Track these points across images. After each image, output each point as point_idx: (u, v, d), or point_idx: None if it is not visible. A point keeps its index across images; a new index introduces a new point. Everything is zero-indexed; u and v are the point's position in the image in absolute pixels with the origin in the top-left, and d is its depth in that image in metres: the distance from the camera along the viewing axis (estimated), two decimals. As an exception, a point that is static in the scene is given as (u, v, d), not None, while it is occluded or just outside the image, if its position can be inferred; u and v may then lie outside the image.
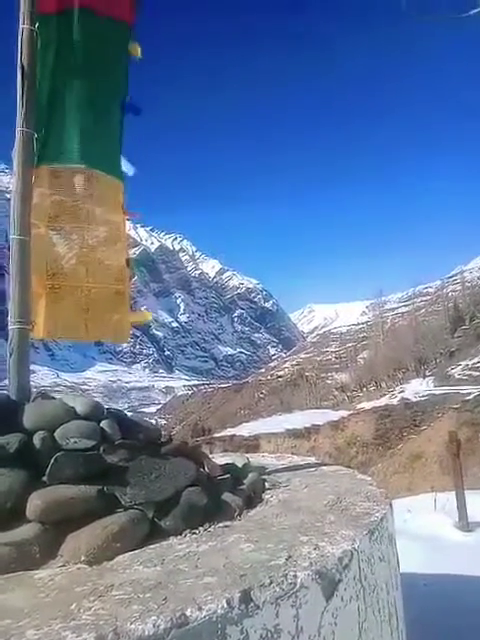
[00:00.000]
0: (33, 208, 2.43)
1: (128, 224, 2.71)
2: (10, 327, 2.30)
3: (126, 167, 2.69)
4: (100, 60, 2.56)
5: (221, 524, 1.86)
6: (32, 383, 2.37)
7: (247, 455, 3.24)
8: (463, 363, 38.10)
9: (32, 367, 2.43)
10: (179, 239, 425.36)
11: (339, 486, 2.34)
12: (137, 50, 2.72)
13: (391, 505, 2.08)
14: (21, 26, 2.50)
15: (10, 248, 2.38)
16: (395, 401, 30.12)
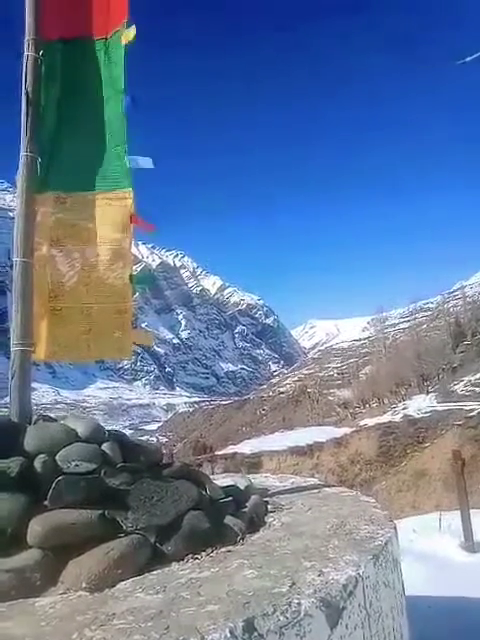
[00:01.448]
0: (36, 226, 2.45)
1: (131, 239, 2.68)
2: (12, 349, 2.30)
3: (144, 162, 2.60)
4: (103, 82, 2.60)
5: (223, 549, 1.84)
6: (32, 401, 2.37)
7: (249, 476, 3.22)
8: (466, 379, 37.89)
9: (32, 385, 2.43)
10: (180, 256, 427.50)
11: (342, 509, 2.31)
12: (131, 34, 2.60)
13: (396, 528, 2.05)
14: (26, 53, 2.56)
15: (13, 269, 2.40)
16: (398, 417, 29.90)
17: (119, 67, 2.62)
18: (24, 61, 2.54)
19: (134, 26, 2.60)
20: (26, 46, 2.56)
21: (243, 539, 1.94)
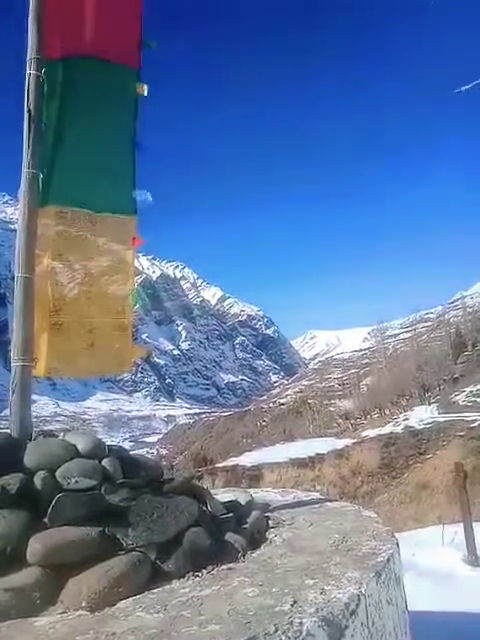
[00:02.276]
0: (37, 239, 2.47)
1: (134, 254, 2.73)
2: (13, 365, 2.31)
3: (141, 196, 2.72)
4: (105, 105, 2.64)
5: (224, 566, 1.82)
6: (32, 412, 2.36)
7: (250, 490, 3.20)
8: (467, 389, 37.76)
9: (32, 397, 2.42)
10: (180, 267, 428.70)
11: (344, 524, 2.30)
12: (143, 88, 2.76)
13: (398, 544, 2.04)
14: (28, 72, 2.59)
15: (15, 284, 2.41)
16: (400, 429, 29.75)
17: (131, 103, 2.69)
18: (26, 79, 2.57)
19: (145, 85, 2.73)
20: (28, 64, 2.59)
21: (244, 556, 1.93)
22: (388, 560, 1.81)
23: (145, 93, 2.77)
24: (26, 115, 2.53)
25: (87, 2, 2.70)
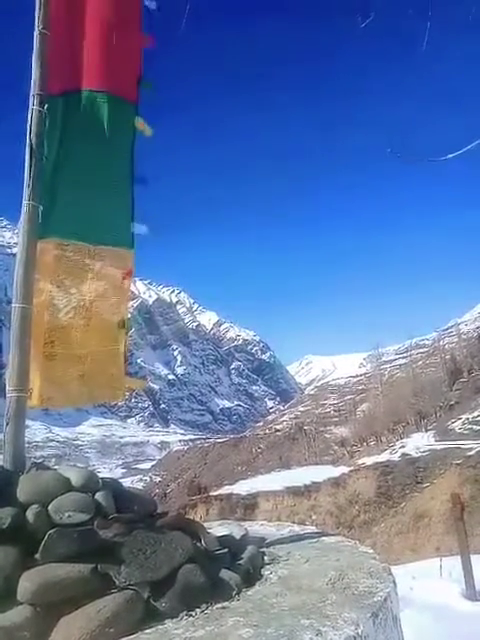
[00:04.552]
0: (37, 265, 2.49)
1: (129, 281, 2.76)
2: (8, 395, 2.29)
3: (139, 229, 2.74)
4: (104, 139, 2.69)
5: (219, 605, 1.79)
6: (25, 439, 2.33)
7: (245, 523, 3.15)
8: (463, 417, 37.54)
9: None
10: (177, 291, 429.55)
11: (341, 560, 2.26)
12: (145, 127, 2.80)
13: (395, 582, 2.01)
14: (30, 107, 2.66)
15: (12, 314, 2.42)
16: (396, 456, 29.42)
17: (129, 136, 2.74)
18: (29, 114, 2.64)
19: (150, 128, 2.78)
20: (31, 100, 2.67)
21: (239, 594, 1.89)
22: (385, 599, 1.78)
23: (149, 133, 2.82)
24: (28, 149, 2.58)
25: (88, 39, 2.79)
